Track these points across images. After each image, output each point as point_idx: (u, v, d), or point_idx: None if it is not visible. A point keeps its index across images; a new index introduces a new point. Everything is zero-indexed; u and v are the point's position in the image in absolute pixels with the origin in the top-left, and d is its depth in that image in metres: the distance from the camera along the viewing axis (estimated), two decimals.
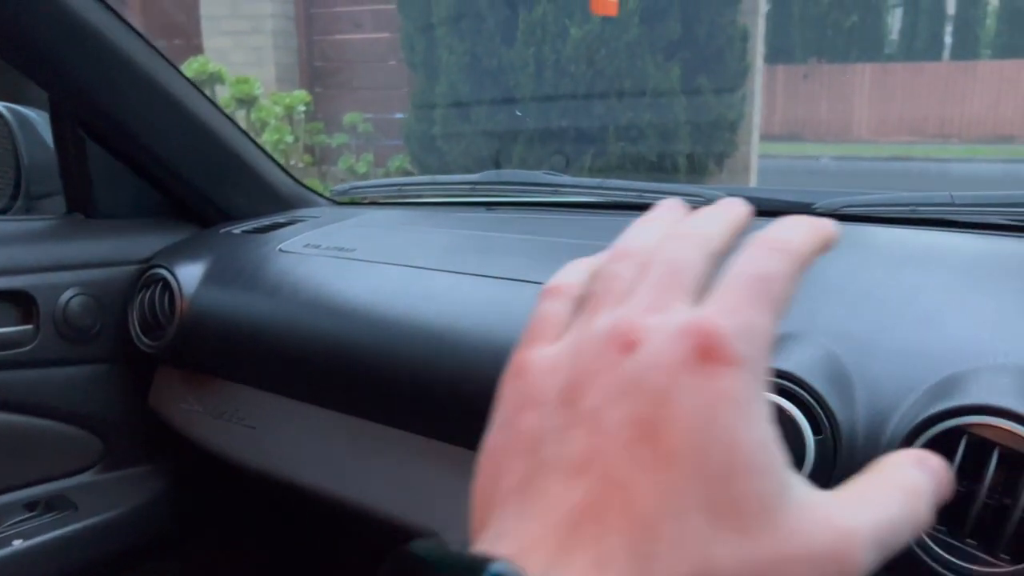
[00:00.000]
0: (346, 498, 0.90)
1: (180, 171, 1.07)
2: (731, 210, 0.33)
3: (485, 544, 0.25)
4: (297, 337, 0.89)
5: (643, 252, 0.31)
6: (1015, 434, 0.50)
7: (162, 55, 0.99)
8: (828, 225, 0.31)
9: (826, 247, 0.30)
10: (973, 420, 0.51)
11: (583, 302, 0.31)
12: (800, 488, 0.26)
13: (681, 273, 0.29)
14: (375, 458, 0.87)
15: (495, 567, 0.22)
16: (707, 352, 0.26)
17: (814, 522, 0.25)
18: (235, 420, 1.00)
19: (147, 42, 0.98)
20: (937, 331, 0.60)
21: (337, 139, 4.59)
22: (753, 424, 0.25)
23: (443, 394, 0.77)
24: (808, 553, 0.24)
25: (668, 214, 0.34)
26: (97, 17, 0.92)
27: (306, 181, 1.29)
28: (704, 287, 0.28)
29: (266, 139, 4.19)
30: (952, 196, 0.93)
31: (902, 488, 0.28)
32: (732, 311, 0.27)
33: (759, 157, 4.81)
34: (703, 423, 0.25)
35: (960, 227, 0.90)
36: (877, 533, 0.26)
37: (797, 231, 0.29)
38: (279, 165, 1.22)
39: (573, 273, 0.34)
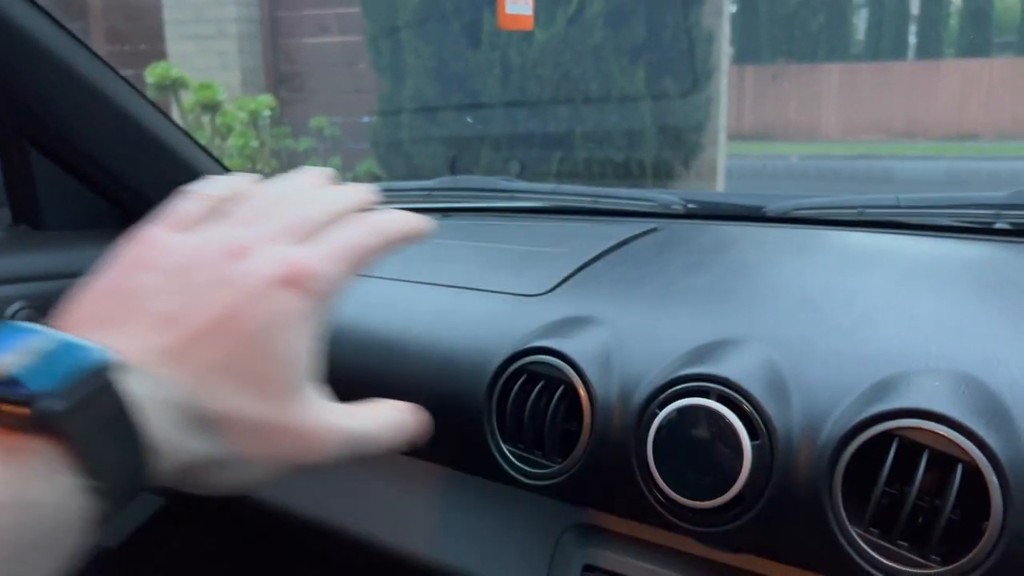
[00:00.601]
0: (294, 510, 0.89)
1: (129, 181, 1.06)
2: (362, 192, 0.43)
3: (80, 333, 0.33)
4: None
5: (283, 194, 0.41)
6: (944, 437, 0.50)
7: (107, 64, 0.98)
8: (420, 222, 0.43)
9: (414, 237, 0.42)
10: (903, 424, 0.52)
11: (218, 212, 0.40)
12: (313, 392, 0.37)
13: (303, 220, 0.39)
14: (320, 469, 0.86)
15: (93, 351, 0.31)
16: (292, 280, 0.36)
17: (310, 410, 0.37)
18: None
19: (92, 51, 0.96)
20: (873, 335, 0.61)
21: (303, 143, 4.56)
22: (300, 338, 0.36)
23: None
24: (296, 425, 0.36)
25: (316, 178, 0.43)
26: (39, 26, 0.90)
27: None
28: (314, 236, 0.38)
29: (231, 144, 4.16)
30: (898, 198, 0.94)
31: (383, 418, 0.42)
32: (325, 260, 0.37)
33: (728, 157, 4.85)
34: (268, 322, 0.35)
35: (907, 228, 0.91)
36: (351, 436, 0.39)
37: (393, 220, 0.41)
38: (215, 159, 1.20)
39: (220, 187, 0.41)
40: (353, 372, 0.78)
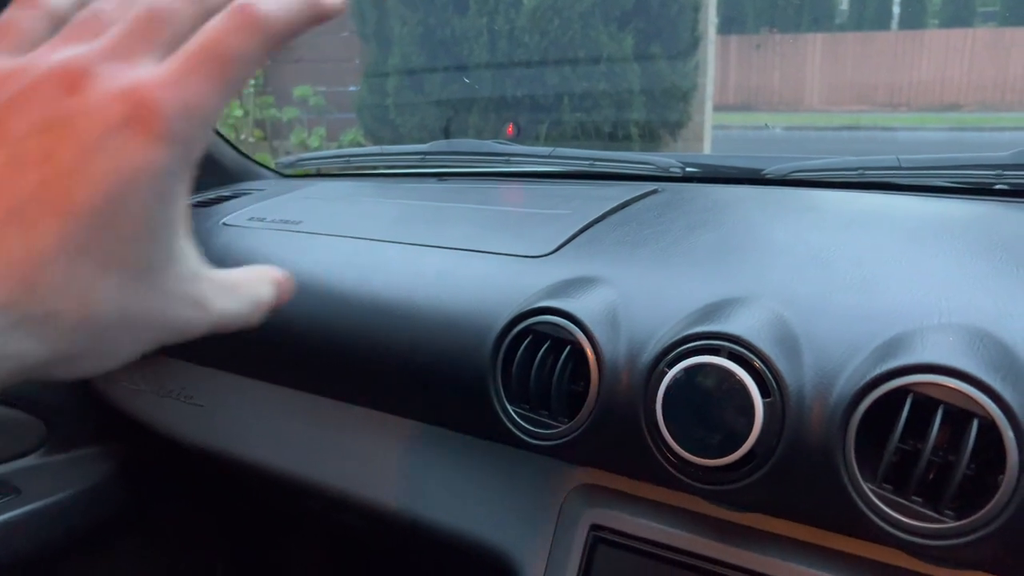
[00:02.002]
0: (299, 475, 0.88)
1: None
2: None
3: None
4: None
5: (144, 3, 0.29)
6: (958, 391, 0.50)
7: None
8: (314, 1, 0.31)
9: (305, 21, 0.30)
10: (917, 379, 0.51)
11: (60, 24, 0.30)
12: (175, 266, 0.30)
13: (159, 23, 0.29)
14: (326, 434, 0.86)
15: None
16: (139, 121, 0.26)
17: (172, 295, 0.30)
18: (182, 398, 0.97)
19: None
20: (883, 291, 0.60)
21: (288, 113, 4.48)
22: (160, 196, 0.27)
23: (394, 366, 0.76)
24: (156, 315, 0.29)
25: None
26: None
27: (257, 156, 1.25)
28: (179, 43, 0.28)
29: None
30: (899, 160, 0.94)
31: (254, 296, 0.36)
32: (180, 82, 0.27)
33: (713, 127, 4.82)
34: (119, 187, 0.26)
35: (907, 190, 0.91)
36: (220, 318, 0.33)
37: (274, 3, 0.29)
38: (223, 138, 1.18)
39: None
40: (358, 337, 0.77)
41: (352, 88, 4.34)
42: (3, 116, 0.27)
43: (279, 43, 0.30)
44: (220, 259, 0.91)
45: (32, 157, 0.26)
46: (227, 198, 1.07)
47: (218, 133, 1.16)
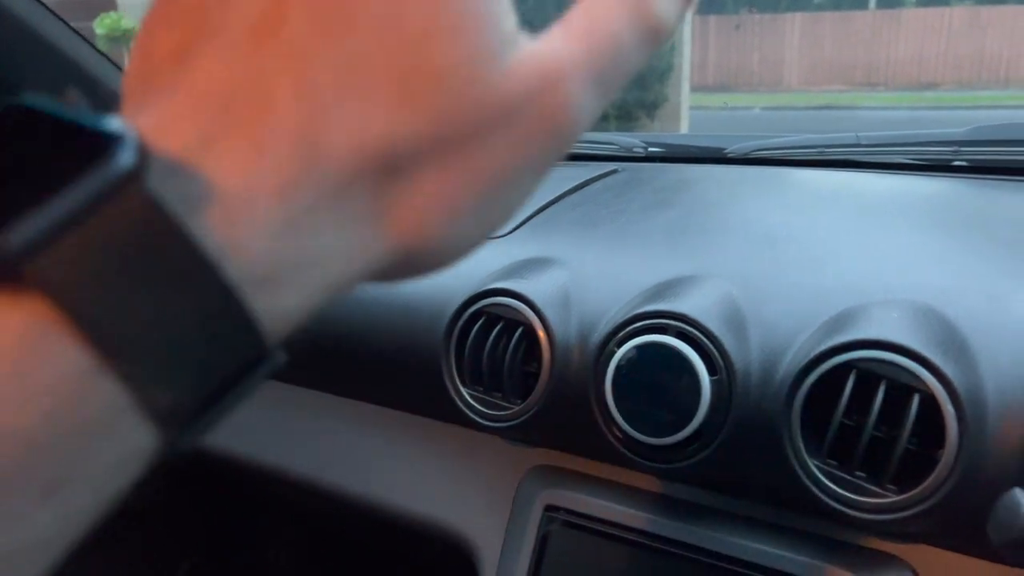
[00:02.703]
0: (260, 461, 0.88)
1: None
2: None
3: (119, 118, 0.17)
4: None
5: None
6: (900, 367, 0.50)
7: (57, 15, 0.94)
8: None
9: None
10: (860, 355, 0.51)
11: None
12: (514, 47, 0.20)
13: None
14: (286, 419, 0.85)
15: (119, 135, 0.16)
16: None
17: (516, 74, 0.20)
18: None
19: (40, 1, 0.92)
20: (831, 269, 0.61)
21: None
22: None
23: (350, 350, 0.75)
24: (506, 108, 0.20)
25: None
26: None
27: None
28: None
29: None
30: (858, 137, 0.94)
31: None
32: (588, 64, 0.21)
33: (691, 108, 4.82)
34: None
35: (867, 167, 0.91)
36: (595, 61, 0.21)
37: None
38: None
39: None
40: (313, 322, 0.77)
41: None
42: None
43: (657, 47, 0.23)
44: None
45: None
46: None
47: None
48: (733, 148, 0.99)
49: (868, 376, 0.52)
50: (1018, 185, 0.77)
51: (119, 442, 0.17)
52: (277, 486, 0.89)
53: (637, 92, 3.86)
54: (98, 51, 1.04)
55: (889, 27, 10.92)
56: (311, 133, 0.18)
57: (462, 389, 0.68)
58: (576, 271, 0.67)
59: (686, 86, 4.36)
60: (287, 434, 0.85)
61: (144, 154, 0.16)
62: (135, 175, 0.16)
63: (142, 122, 0.18)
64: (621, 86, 0.22)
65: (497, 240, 0.75)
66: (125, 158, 0.16)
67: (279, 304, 0.19)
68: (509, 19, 0.20)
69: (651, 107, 4.01)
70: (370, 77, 0.19)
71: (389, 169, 0.19)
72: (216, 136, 0.18)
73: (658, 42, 0.23)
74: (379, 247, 0.20)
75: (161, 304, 0.17)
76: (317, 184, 0.18)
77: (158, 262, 0.16)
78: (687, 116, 4.58)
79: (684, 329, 0.57)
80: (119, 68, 1.11)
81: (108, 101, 1.09)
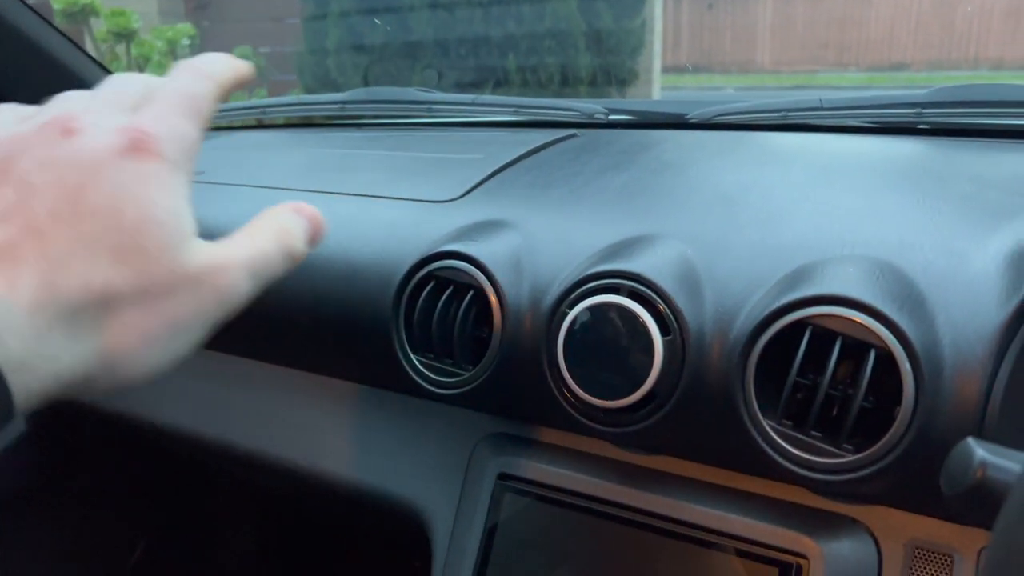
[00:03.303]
0: (207, 435, 0.85)
1: (5, 93, 0.98)
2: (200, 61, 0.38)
3: None
4: None
5: (114, 79, 0.37)
6: (856, 323, 0.49)
7: None
8: (243, 64, 0.39)
9: (242, 76, 0.39)
10: (816, 311, 0.50)
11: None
12: (199, 243, 0.33)
13: (131, 90, 0.35)
14: (232, 391, 0.82)
15: None
16: (136, 146, 0.32)
17: (199, 258, 0.32)
18: None
19: None
20: (788, 226, 0.59)
21: None
22: (167, 195, 0.32)
23: (298, 319, 0.73)
24: (190, 275, 0.32)
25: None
26: None
27: None
28: (146, 103, 0.34)
29: (135, 53, 3.94)
30: (822, 100, 0.92)
31: (277, 229, 0.37)
32: (162, 119, 0.33)
33: (663, 88, 4.80)
34: (122, 190, 0.31)
35: (830, 131, 0.90)
36: (251, 264, 0.35)
37: (213, 60, 0.37)
38: None
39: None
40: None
41: (292, 49, 4.23)
42: (9, 162, 0.31)
43: (226, 88, 0.37)
44: None
45: (42, 186, 0.30)
46: None
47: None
48: (695, 113, 0.97)
49: (824, 334, 0.50)
50: (979, 145, 0.76)
51: None
52: (226, 462, 0.86)
53: (607, 72, 3.83)
54: (57, 30, 1.00)
55: (860, 6, 10.94)
56: (51, 277, 0.29)
57: (412, 356, 0.65)
58: (528, 234, 0.65)
59: (657, 64, 4.34)
60: (233, 408, 0.82)
61: None
62: None
63: None
64: (268, 281, 0.36)
65: (448, 204, 0.72)
66: None
67: (25, 384, 0.28)
68: (191, 223, 0.33)
69: (622, 83, 3.98)
70: (96, 247, 0.30)
71: (105, 305, 0.30)
72: None
73: (296, 260, 0.37)
74: (95, 356, 0.30)
75: None
76: (55, 308, 0.29)
77: None
78: (658, 96, 4.56)
79: (637, 289, 0.55)
80: (78, 47, 1.07)
81: (68, 81, 1.05)
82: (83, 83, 1.07)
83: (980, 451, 0.33)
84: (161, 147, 0.32)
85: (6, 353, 0.27)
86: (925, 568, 0.52)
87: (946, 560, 0.52)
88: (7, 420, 0.27)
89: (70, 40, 1.01)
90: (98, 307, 0.30)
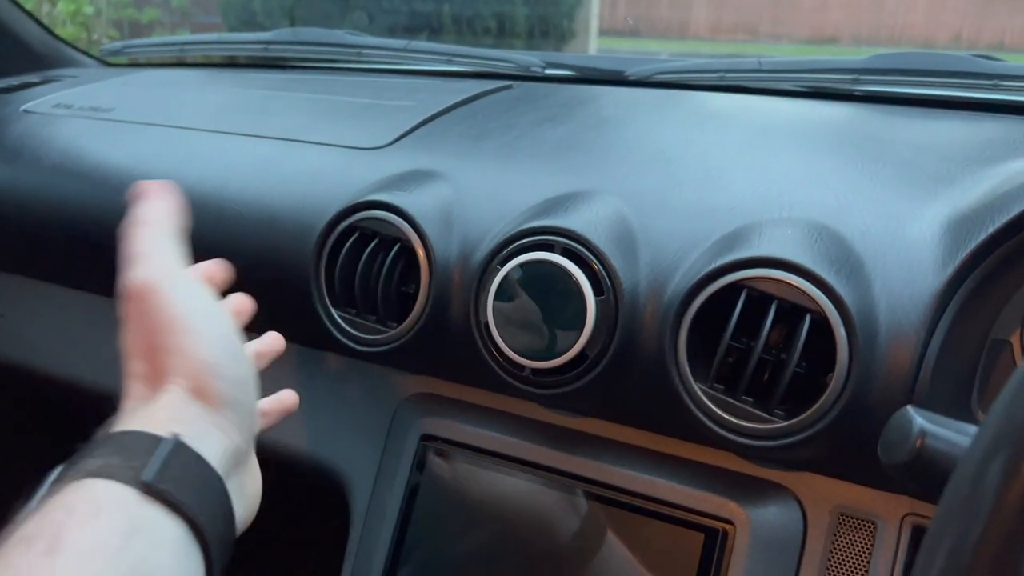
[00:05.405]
0: (113, 391, 0.80)
1: None
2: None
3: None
4: (40, 209, 0.76)
5: None
6: (792, 286, 0.48)
7: None
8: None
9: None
10: (751, 274, 0.48)
11: None
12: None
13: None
14: (113, 339, 0.78)
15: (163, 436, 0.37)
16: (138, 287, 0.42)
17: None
18: None
19: None
20: (725, 187, 0.57)
21: (148, 14, 4.14)
22: (179, 295, 0.42)
23: None
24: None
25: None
26: None
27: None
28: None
29: (61, 10, 3.71)
30: (760, 62, 0.91)
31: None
32: (147, 261, 0.43)
33: (600, 50, 4.76)
34: (141, 304, 0.42)
35: (767, 93, 0.88)
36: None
37: (152, 209, 0.46)
38: (33, 18, 1.04)
39: None
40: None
41: None
42: None
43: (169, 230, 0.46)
44: (16, 150, 0.80)
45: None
46: (34, 84, 0.95)
47: (26, 12, 1.01)
48: (633, 70, 0.95)
49: (759, 297, 0.49)
50: (916, 113, 0.75)
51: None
52: (100, 408, 0.81)
53: (542, 29, 3.77)
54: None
55: None
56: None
57: (333, 311, 0.62)
58: (459, 186, 0.62)
59: (594, 24, 4.29)
60: (104, 351, 0.77)
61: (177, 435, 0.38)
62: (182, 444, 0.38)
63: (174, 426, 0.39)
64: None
65: (375, 151, 0.69)
66: (170, 440, 0.37)
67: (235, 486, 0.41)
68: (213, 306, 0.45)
69: (558, 44, 3.93)
70: (134, 343, 0.44)
71: None
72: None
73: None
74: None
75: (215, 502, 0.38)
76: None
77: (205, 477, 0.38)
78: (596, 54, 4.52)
79: (570, 246, 0.53)
80: (37, 21, 1.00)
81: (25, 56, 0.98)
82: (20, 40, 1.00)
83: (919, 419, 0.32)
84: (150, 276, 0.44)
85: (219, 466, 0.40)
86: (849, 534, 0.52)
87: (869, 527, 0.52)
88: (233, 538, 0.40)
89: None
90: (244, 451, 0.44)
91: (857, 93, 0.84)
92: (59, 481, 0.35)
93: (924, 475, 0.31)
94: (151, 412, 0.39)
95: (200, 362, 0.41)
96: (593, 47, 4.27)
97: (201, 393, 0.40)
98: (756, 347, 0.48)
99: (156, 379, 0.41)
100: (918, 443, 0.31)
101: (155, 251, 0.44)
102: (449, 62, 1.02)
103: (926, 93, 0.80)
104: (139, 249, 0.44)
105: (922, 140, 0.65)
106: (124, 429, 0.38)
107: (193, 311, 0.42)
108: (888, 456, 0.32)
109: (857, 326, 0.46)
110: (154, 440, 0.37)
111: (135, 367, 0.42)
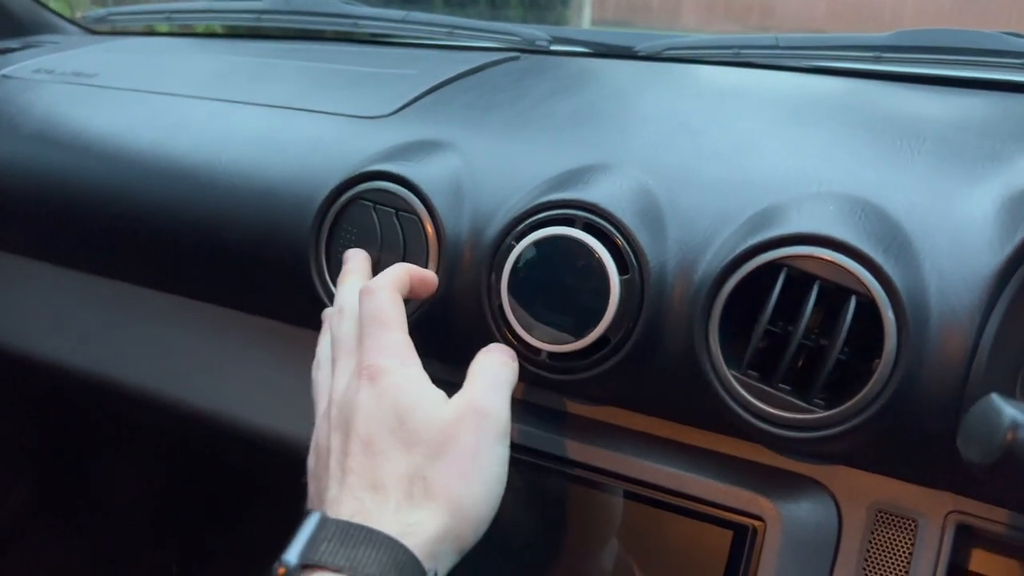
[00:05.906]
0: (95, 372, 0.76)
1: None
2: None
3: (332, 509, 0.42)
4: (19, 178, 0.72)
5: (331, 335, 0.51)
6: (836, 265, 0.44)
7: None
8: (418, 272, 0.51)
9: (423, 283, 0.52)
10: (792, 252, 0.45)
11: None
12: (444, 402, 0.44)
13: (349, 337, 0.49)
14: (126, 324, 0.73)
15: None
16: (372, 373, 0.44)
17: (457, 409, 0.43)
18: None
19: None
20: (757, 161, 0.53)
21: None
22: (410, 390, 0.44)
23: (199, 243, 0.64)
24: (457, 429, 0.42)
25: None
26: None
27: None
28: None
29: None
30: (777, 39, 0.87)
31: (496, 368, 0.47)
32: (373, 346, 0.45)
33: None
34: (377, 407, 0.43)
35: (784, 70, 0.85)
36: (487, 381, 0.46)
37: (383, 280, 0.48)
38: None
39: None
40: (155, 209, 0.65)
41: None
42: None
43: (409, 290, 0.51)
44: None
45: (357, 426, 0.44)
46: (13, 49, 0.90)
47: None
48: (643, 46, 0.91)
49: (799, 276, 0.45)
50: (946, 90, 0.72)
51: None
52: (115, 401, 0.77)
53: (537, 12, 3.72)
54: None
55: None
56: (374, 477, 0.42)
57: (332, 288, 0.58)
58: (470, 156, 0.58)
59: (587, 11, 4.25)
60: (125, 341, 0.73)
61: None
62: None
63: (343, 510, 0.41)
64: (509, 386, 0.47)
65: (378, 120, 0.65)
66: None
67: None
68: (434, 391, 0.45)
69: (554, 23, 3.89)
70: (386, 443, 0.43)
71: (423, 479, 0.42)
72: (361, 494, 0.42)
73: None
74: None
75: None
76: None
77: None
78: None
79: (593, 221, 0.49)
80: None
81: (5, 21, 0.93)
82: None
83: (1010, 410, 0.28)
84: (385, 366, 0.44)
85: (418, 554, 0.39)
86: (887, 533, 0.49)
87: (910, 525, 0.48)
88: None
89: None
90: (419, 483, 0.41)
91: (879, 72, 0.81)
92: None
93: (1019, 472, 0.27)
94: (412, 531, 0.39)
95: (472, 520, 0.42)
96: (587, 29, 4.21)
97: (458, 539, 0.41)
98: (796, 332, 0.45)
99: (415, 497, 0.41)
100: (1009, 436, 0.28)
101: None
102: (450, 35, 0.97)
103: (953, 74, 0.76)
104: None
105: (957, 117, 0.62)
106: (393, 538, 0.38)
107: (479, 454, 0.42)
108: (975, 453, 0.29)
109: (907, 309, 0.43)
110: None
111: (392, 469, 0.42)
